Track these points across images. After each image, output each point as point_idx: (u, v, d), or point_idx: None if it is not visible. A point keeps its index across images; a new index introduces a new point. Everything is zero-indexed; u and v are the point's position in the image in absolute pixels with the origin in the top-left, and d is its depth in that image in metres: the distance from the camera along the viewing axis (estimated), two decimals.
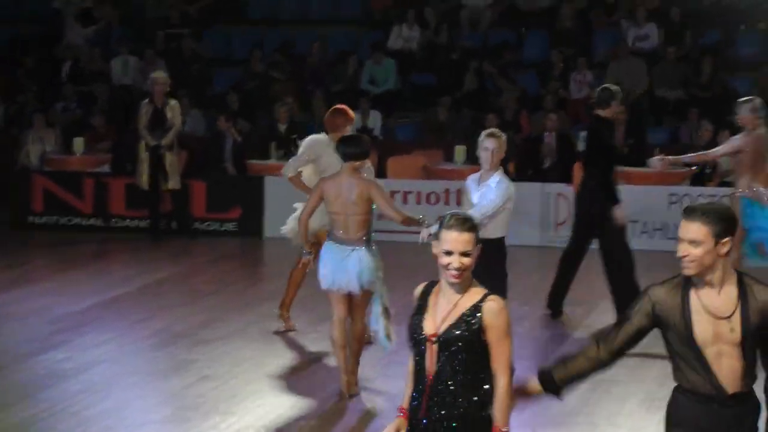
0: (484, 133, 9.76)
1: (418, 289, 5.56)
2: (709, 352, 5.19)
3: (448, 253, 5.33)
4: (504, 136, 9.74)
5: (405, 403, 5.59)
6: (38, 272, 15.05)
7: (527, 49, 20.72)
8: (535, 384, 5.55)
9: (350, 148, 9.49)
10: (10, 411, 9.40)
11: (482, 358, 5.41)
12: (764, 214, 11.45)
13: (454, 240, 5.32)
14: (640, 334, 5.36)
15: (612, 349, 5.39)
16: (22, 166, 18.65)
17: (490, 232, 9.23)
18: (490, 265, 8.46)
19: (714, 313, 5.19)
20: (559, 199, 16.50)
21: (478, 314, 5.37)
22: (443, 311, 5.41)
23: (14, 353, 11.07)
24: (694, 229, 5.15)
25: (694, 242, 5.15)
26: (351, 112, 11.10)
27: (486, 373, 5.44)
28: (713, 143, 16.69)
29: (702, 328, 5.19)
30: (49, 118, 19.44)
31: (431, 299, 5.48)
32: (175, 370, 10.48)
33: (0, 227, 17.73)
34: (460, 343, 5.35)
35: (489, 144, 9.59)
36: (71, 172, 18.10)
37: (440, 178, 17.30)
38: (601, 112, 12.13)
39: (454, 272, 5.33)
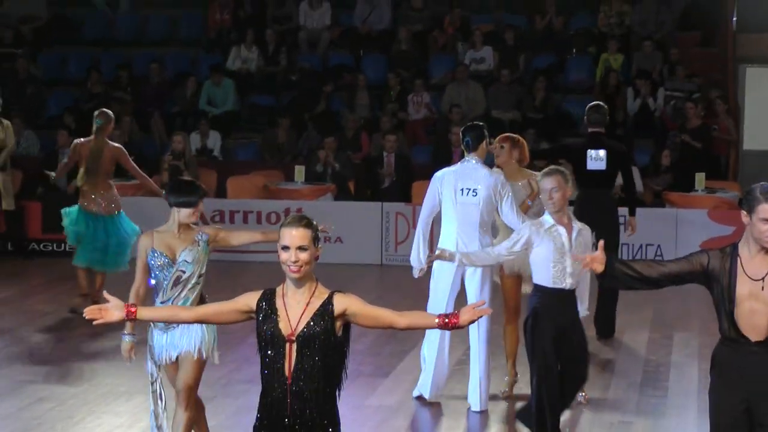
0: (542, 172, 8.53)
1: (254, 297, 5.67)
2: (742, 308, 6.16)
3: (285, 248, 5.55)
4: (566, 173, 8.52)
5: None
6: None
7: (365, 71, 20.80)
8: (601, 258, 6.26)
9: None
10: None
11: (332, 350, 5.60)
12: None
13: (290, 235, 5.55)
14: (683, 277, 6.31)
15: (661, 272, 6.31)
16: None
17: None
18: None
19: (751, 275, 6.15)
20: (398, 217, 16.60)
21: (330, 307, 5.59)
22: (296, 312, 5.59)
23: None
24: None
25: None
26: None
27: (334, 365, 5.63)
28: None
29: (741, 287, 6.16)
30: None
31: (278, 303, 5.63)
32: (11, 391, 10.23)
33: None
34: (318, 339, 5.54)
35: (551, 183, 8.37)
36: None
37: (280, 197, 17.27)
38: (602, 131, 12.09)
39: (293, 266, 5.54)
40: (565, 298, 8.37)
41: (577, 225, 8.43)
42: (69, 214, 13.33)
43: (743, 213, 6.17)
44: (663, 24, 20.73)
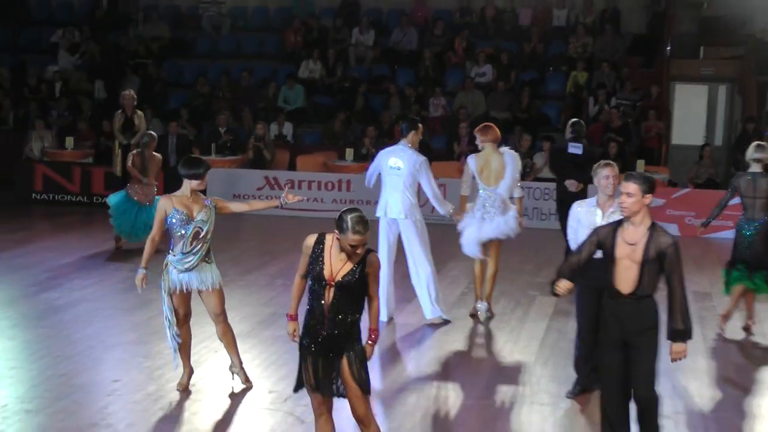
0: (596, 165, 7.40)
1: (311, 240, 5.64)
2: (620, 265, 5.87)
3: (354, 246, 5.49)
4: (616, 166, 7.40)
5: (292, 310, 5.91)
6: (39, 235, 14.85)
7: (399, 81, 20.87)
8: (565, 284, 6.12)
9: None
10: (20, 333, 9.35)
11: (360, 291, 5.64)
12: None
13: (359, 240, 5.48)
14: (592, 254, 6.06)
15: (583, 261, 6.08)
16: (27, 157, 18.35)
17: None
18: None
19: (627, 241, 5.86)
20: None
21: (362, 265, 5.59)
22: (337, 264, 5.56)
23: (21, 293, 10.97)
24: (631, 187, 5.85)
25: (629, 195, 5.83)
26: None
27: (361, 299, 5.68)
28: (532, 149, 17.12)
29: (619, 248, 5.88)
30: (47, 123, 19.13)
31: (326, 250, 5.60)
32: (141, 306, 10.39)
33: (10, 202, 17.43)
34: (350, 285, 5.57)
35: (607, 172, 7.27)
36: (64, 162, 17.83)
37: (335, 171, 17.40)
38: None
39: (356, 253, 5.53)
40: (599, 261, 7.31)
41: (612, 209, 7.29)
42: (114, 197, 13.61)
43: None
44: (617, 51, 20.69)
